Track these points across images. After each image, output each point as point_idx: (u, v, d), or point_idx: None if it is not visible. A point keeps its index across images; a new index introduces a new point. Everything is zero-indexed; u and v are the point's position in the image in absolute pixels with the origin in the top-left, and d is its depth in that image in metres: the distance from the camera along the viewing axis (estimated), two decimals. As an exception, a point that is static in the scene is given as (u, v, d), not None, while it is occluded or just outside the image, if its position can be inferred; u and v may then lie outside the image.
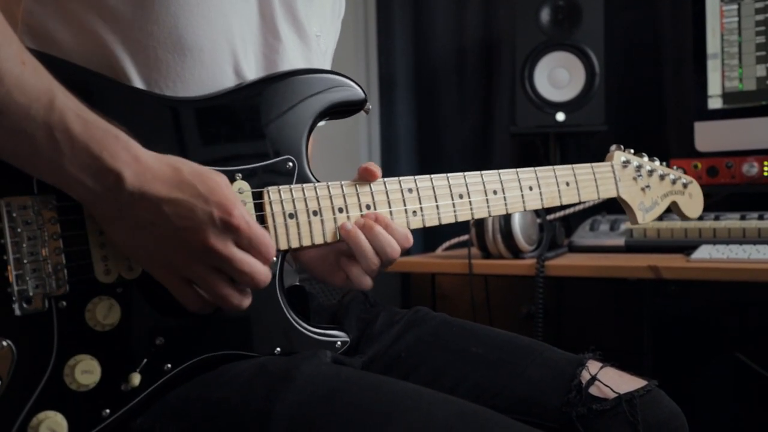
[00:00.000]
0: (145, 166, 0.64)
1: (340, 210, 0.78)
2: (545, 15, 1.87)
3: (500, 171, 0.89)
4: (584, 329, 1.47)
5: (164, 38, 0.73)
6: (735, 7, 1.64)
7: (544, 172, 0.92)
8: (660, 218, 1.53)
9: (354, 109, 0.83)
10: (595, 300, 1.45)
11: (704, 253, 1.35)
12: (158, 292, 0.69)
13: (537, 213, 1.54)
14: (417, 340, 0.88)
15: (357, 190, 0.80)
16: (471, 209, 0.86)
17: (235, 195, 0.67)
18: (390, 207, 0.81)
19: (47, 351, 0.65)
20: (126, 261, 0.68)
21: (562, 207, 1.82)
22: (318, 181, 0.79)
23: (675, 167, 1.10)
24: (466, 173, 0.86)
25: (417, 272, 1.64)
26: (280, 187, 0.76)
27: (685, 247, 1.44)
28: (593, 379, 0.81)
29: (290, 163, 0.77)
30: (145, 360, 0.69)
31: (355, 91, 0.82)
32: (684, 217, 1.10)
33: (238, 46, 0.78)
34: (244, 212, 0.67)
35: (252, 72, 0.80)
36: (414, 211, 0.83)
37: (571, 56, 1.84)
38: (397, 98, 2.36)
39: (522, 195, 0.90)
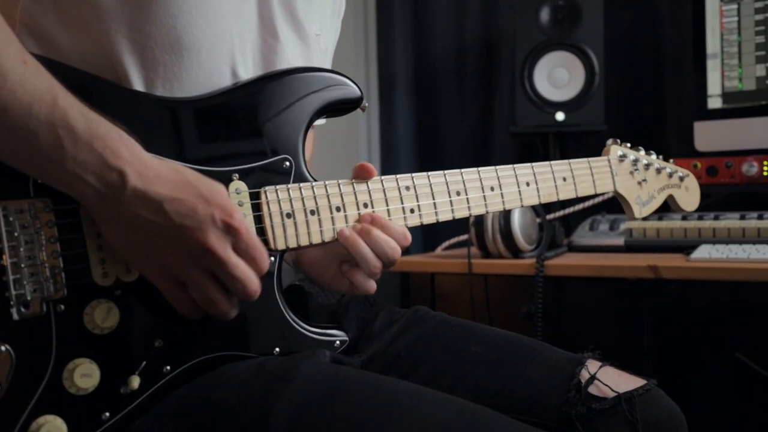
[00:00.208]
0: (148, 166, 0.64)
1: (338, 209, 0.78)
2: (545, 15, 1.87)
3: (497, 167, 0.89)
4: (584, 329, 1.47)
5: (162, 39, 0.73)
6: (735, 6, 1.64)
7: (541, 167, 0.92)
8: (659, 218, 1.54)
9: (350, 107, 0.83)
10: (595, 300, 1.45)
11: (704, 252, 1.35)
12: (157, 294, 0.69)
13: (537, 212, 1.54)
14: (416, 340, 0.88)
15: (354, 189, 0.80)
16: (468, 206, 0.86)
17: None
18: (387, 205, 0.81)
19: (46, 355, 0.65)
20: (124, 263, 0.68)
21: (562, 207, 1.82)
22: (315, 180, 0.79)
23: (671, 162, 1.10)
24: (463, 170, 0.86)
25: (416, 272, 1.64)
26: (278, 186, 0.76)
27: (685, 246, 1.44)
28: (592, 378, 0.81)
29: (287, 163, 0.77)
30: (144, 362, 0.69)
31: (351, 89, 0.82)
32: (681, 211, 1.10)
33: (236, 46, 0.78)
34: (243, 217, 0.67)
35: (250, 72, 0.80)
36: (411, 209, 0.83)
37: (571, 56, 1.84)
38: (397, 98, 2.36)
39: (519, 191, 0.90)
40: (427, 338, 0.88)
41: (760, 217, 1.46)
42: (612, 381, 0.81)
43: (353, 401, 0.66)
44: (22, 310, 0.64)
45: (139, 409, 0.69)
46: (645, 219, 1.45)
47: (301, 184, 0.77)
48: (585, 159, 0.97)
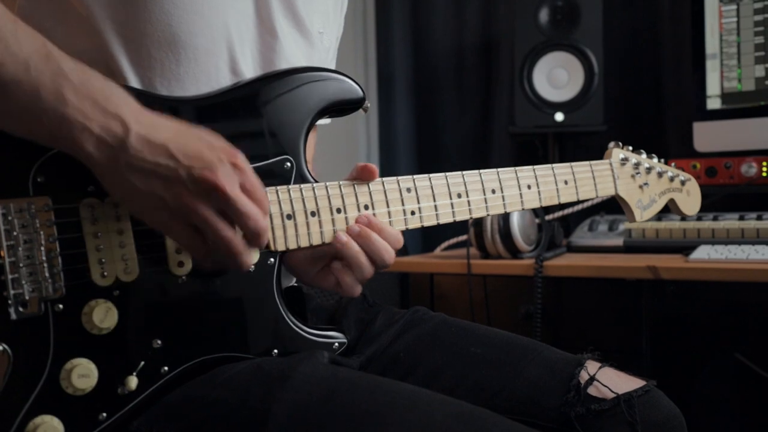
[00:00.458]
0: (146, 114, 0.64)
1: (338, 210, 0.78)
2: (544, 15, 1.87)
3: (499, 170, 0.88)
4: (583, 329, 1.47)
5: (158, 37, 0.73)
6: (734, 7, 1.64)
7: (543, 170, 0.92)
8: (659, 218, 1.54)
9: (353, 108, 0.82)
10: (594, 300, 1.45)
11: (703, 253, 1.35)
12: (155, 294, 0.69)
13: (536, 213, 1.54)
14: (416, 340, 0.88)
15: (355, 190, 0.80)
16: (469, 208, 0.86)
17: None
18: (388, 207, 0.81)
19: (44, 355, 0.64)
20: (123, 263, 0.68)
21: (561, 207, 1.82)
22: (316, 181, 0.79)
23: (673, 166, 1.10)
24: (464, 172, 0.86)
25: (415, 272, 1.63)
26: (278, 187, 0.75)
27: (684, 247, 1.44)
28: (592, 379, 0.80)
29: (288, 163, 0.77)
30: (143, 363, 0.69)
31: (354, 90, 0.81)
32: (681, 215, 1.10)
33: (235, 44, 0.78)
34: (246, 159, 0.67)
35: (249, 70, 0.79)
36: (412, 211, 0.82)
37: (570, 56, 1.84)
38: (396, 97, 2.36)
39: (520, 194, 0.89)
40: (427, 339, 0.88)
41: (759, 218, 1.46)
42: (611, 382, 0.81)
43: (351, 402, 0.66)
44: (20, 309, 0.64)
45: (136, 409, 0.68)
46: (644, 219, 1.45)
47: (302, 185, 0.77)
48: (587, 162, 0.97)
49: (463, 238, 1.70)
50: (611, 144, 1.02)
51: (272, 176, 0.76)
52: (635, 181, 1.02)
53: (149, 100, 0.72)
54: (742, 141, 1.64)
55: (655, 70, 1.97)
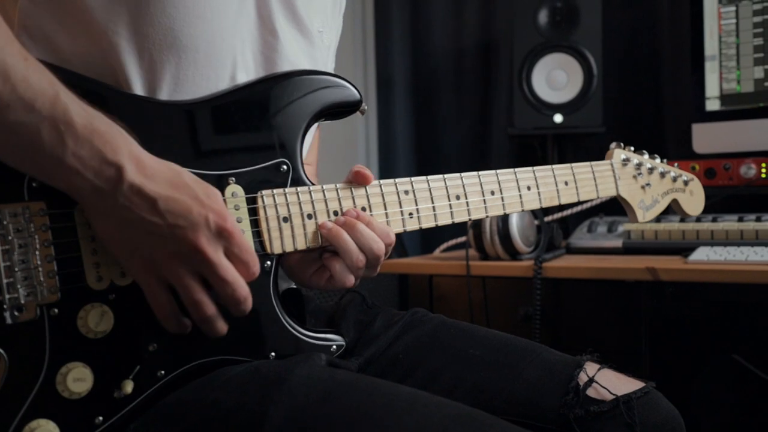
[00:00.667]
0: (145, 164, 0.64)
1: (335, 213, 0.78)
2: (543, 16, 1.87)
3: (498, 171, 0.88)
4: (582, 331, 1.46)
5: (160, 40, 0.73)
6: (733, 8, 1.64)
7: (543, 171, 0.92)
8: (658, 220, 1.53)
9: (349, 111, 0.82)
10: (593, 302, 1.45)
11: (702, 254, 1.35)
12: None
13: (535, 214, 1.54)
14: (415, 342, 0.88)
15: (352, 193, 0.79)
16: (468, 210, 0.86)
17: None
18: (386, 209, 0.81)
19: (39, 359, 0.64)
20: (118, 267, 0.68)
21: (560, 208, 1.82)
22: (313, 184, 0.78)
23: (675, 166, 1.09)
24: (463, 174, 0.86)
25: (414, 274, 1.63)
26: (274, 190, 0.75)
27: (683, 248, 1.43)
28: (591, 380, 0.80)
29: (284, 166, 0.77)
30: (138, 367, 0.68)
31: (351, 92, 0.81)
32: (685, 215, 1.10)
33: (237, 46, 0.78)
34: (236, 223, 0.68)
35: (251, 71, 0.79)
36: (410, 213, 0.82)
37: (569, 58, 1.84)
38: (395, 99, 2.36)
39: (520, 195, 0.89)
40: (426, 340, 0.88)
41: (758, 219, 1.46)
42: (610, 383, 0.81)
43: (349, 405, 0.66)
44: (16, 314, 0.63)
45: (132, 413, 0.68)
46: (643, 221, 1.45)
47: (299, 188, 0.77)
48: (588, 163, 0.97)
49: (462, 239, 1.70)
50: (613, 144, 1.02)
51: (268, 179, 0.76)
52: (637, 181, 1.01)
53: (147, 105, 0.72)
54: (741, 142, 1.64)
55: (654, 71, 1.97)
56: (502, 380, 0.82)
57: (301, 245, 0.76)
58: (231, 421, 0.66)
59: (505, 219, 1.47)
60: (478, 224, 1.51)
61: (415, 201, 0.83)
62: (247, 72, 0.79)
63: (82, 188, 0.63)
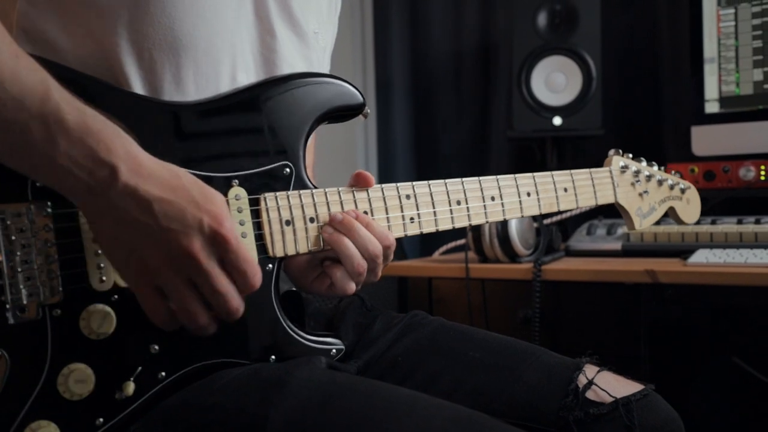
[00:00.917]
0: (141, 165, 0.63)
1: (338, 216, 0.78)
2: (542, 19, 1.87)
3: (498, 177, 0.88)
4: (581, 333, 1.46)
5: (160, 40, 0.73)
6: (732, 11, 1.65)
7: (543, 178, 0.92)
8: (657, 222, 1.53)
9: (352, 114, 0.82)
10: (592, 304, 1.45)
11: (701, 257, 1.35)
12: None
13: (534, 217, 1.54)
14: (414, 345, 0.88)
15: (354, 197, 0.80)
16: (468, 215, 0.86)
17: (229, 212, 0.66)
18: (387, 213, 0.81)
19: (41, 360, 0.64)
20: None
21: (559, 211, 1.81)
22: (315, 187, 0.79)
23: (673, 172, 1.10)
24: (464, 179, 0.86)
25: (414, 276, 1.63)
26: (277, 193, 0.75)
27: (682, 251, 1.44)
28: (590, 383, 0.80)
29: (287, 169, 0.77)
30: (140, 368, 0.68)
31: (354, 96, 0.81)
32: (681, 223, 1.10)
33: (236, 46, 0.78)
34: (234, 228, 0.65)
35: (251, 71, 0.79)
36: (411, 218, 0.82)
37: (568, 60, 1.84)
38: (394, 102, 2.36)
39: (520, 201, 0.90)
40: (425, 343, 0.88)
41: (757, 222, 1.46)
42: (609, 386, 0.81)
43: (349, 407, 0.66)
44: (18, 314, 0.63)
45: (133, 414, 0.68)
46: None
47: (301, 191, 0.77)
48: (587, 170, 0.97)
49: (462, 242, 1.70)
50: (611, 151, 1.02)
51: (271, 182, 0.76)
52: (635, 189, 1.02)
53: (148, 105, 0.72)
54: (741, 145, 1.64)
55: (653, 74, 1.97)
56: (502, 383, 0.82)
57: (303, 248, 0.76)
58: (231, 423, 0.66)
59: (504, 222, 1.47)
60: (477, 227, 1.51)
61: (417, 206, 0.83)
62: (247, 72, 0.79)
63: (76, 188, 0.62)
